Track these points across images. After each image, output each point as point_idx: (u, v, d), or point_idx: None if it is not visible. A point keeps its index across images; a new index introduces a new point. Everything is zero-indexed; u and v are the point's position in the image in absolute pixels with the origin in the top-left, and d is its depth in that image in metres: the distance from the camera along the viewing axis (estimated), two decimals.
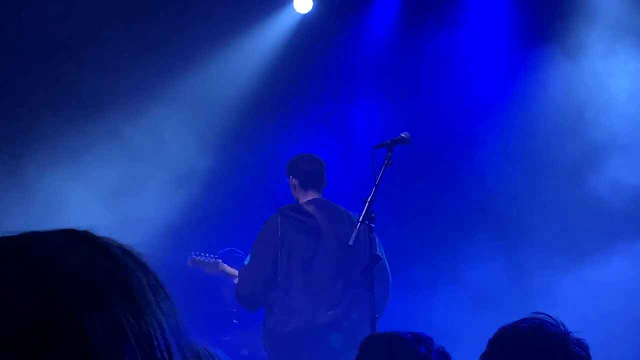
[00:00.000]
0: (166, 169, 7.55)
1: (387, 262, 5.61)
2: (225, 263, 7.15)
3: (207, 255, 6.38)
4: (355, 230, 5.18)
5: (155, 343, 0.78)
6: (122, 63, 7.52)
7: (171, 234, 7.34)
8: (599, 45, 7.02)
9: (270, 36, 8.05)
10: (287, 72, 7.98)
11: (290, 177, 5.79)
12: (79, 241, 0.83)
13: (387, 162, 5.27)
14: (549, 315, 2.41)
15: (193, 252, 6.26)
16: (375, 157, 5.25)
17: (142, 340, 0.78)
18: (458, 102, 7.53)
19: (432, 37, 7.75)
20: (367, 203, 5.18)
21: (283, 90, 7.97)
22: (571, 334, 2.37)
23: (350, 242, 5.18)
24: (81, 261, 0.81)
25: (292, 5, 8.05)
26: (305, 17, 8.08)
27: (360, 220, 5.16)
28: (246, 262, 5.61)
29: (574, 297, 6.39)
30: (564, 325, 2.39)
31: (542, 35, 7.43)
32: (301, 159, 5.83)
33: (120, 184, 7.32)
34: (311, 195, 5.75)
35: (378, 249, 5.43)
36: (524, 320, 2.41)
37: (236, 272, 5.93)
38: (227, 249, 7.18)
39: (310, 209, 5.73)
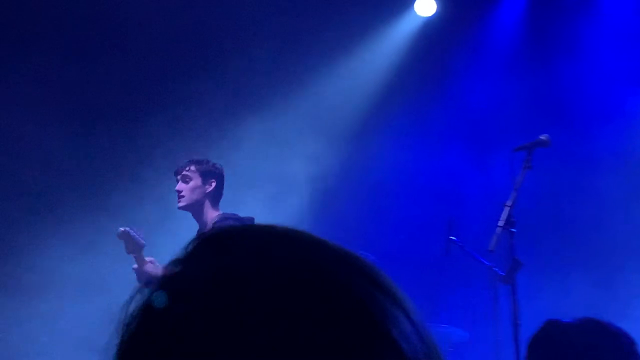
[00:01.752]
0: (291, 173, 7.61)
1: None
2: None
3: (141, 235, 5.40)
4: (495, 235, 5.12)
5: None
6: (253, 65, 7.64)
7: None
8: None
9: (392, 41, 8.03)
10: (410, 77, 7.95)
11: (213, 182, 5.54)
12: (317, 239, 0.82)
13: (527, 165, 5.19)
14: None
15: (130, 227, 5.42)
16: (515, 160, 5.18)
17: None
18: (594, 103, 7.36)
19: (561, 41, 7.60)
20: (508, 207, 5.10)
21: (406, 95, 7.93)
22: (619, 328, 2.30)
23: (491, 248, 5.11)
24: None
25: (414, 9, 8.01)
26: (428, 20, 8.04)
27: (501, 225, 5.09)
28: None
29: None
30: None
31: None
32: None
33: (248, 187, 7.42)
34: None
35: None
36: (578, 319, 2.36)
37: (152, 270, 5.28)
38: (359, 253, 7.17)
39: None
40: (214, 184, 5.52)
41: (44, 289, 6.85)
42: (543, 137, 5.27)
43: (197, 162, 5.55)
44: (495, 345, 5.48)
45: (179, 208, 5.51)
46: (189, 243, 0.81)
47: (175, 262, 0.79)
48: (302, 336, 0.71)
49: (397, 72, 7.99)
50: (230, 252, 0.77)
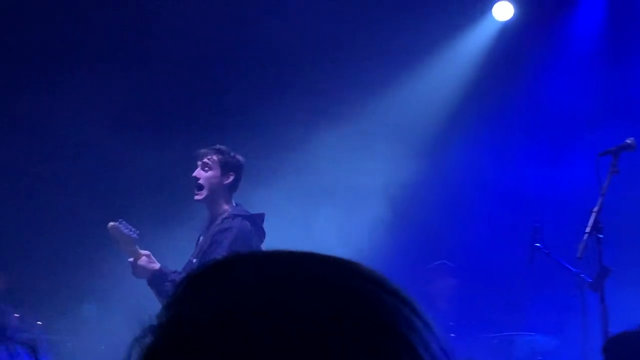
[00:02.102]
0: (370, 182, 7.61)
1: None
2: (435, 277, 7.10)
3: (132, 228, 5.34)
4: (583, 242, 5.05)
5: None
6: (331, 73, 7.70)
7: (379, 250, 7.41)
8: None
9: (470, 46, 7.99)
10: (488, 82, 7.89)
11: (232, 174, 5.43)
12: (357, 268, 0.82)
13: (613, 169, 5.11)
14: None
15: (120, 221, 5.33)
16: (601, 165, 5.11)
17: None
18: None
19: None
20: (595, 213, 5.03)
21: (485, 100, 7.88)
22: None
23: (579, 255, 5.04)
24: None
25: (492, 14, 7.96)
26: (506, 24, 7.97)
27: (588, 231, 5.02)
28: None
29: None
30: None
31: None
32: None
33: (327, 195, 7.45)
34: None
35: None
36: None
37: (152, 267, 5.23)
38: (438, 262, 7.16)
39: None
40: (232, 177, 5.40)
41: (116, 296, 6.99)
42: (629, 140, 5.18)
43: (219, 152, 5.43)
44: (583, 353, 5.39)
45: (197, 201, 5.40)
46: (180, 284, 0.79)
47: (171, 306, 0.77)
48: None
49: (475, 78, 7.94)
50: (224, 292, 0.75)
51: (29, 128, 7.62)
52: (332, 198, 7.48)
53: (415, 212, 7.67)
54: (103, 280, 6.95)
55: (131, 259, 5.27)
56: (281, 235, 6.33)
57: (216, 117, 7.71)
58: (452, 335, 6.83)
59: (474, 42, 8.00)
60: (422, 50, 7.84)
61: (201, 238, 5.48)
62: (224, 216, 5.35)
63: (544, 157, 7.49)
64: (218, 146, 5.46)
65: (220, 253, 5.17)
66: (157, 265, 5.28)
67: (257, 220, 5.43)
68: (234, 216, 5.36)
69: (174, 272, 5.29)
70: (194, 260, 5.36)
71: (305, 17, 7.66)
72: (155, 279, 5.24)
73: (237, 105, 7.72)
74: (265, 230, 5.45)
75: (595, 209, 5.04)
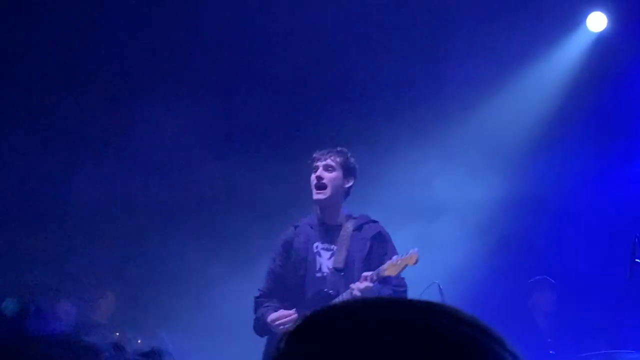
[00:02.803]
0: (457, 196, 7.57)
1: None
2: (534, 292, 7.05)
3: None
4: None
5: None
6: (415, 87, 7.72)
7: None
8: None
9: (566, 56, 7.90)
10: (582, 94, 7.78)
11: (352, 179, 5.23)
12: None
13: None
14: None
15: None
16: None
17: None
18: None
19: None
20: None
21: (579, 113, 7.77)
22: None
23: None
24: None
25: (585, 24, 7.86)
26: (600, 35, 7.85)
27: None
28: None
29: None
30: None
31: None
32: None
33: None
34: None
35: None
36: None
37: None
38: (538, 277, 7.08)
39: None
40: (352, 182, 5.22)
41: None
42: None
43: (341, 154, 5.23)
44: None
45: (317, 199, 5.15)
46: (283, 338, 0.83)
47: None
48: None
49: (570, 90, 7.83)
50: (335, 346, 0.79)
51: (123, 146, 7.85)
52: (425, 214, 7.49)
53: (511, 229, 7.59)
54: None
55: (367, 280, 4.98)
56: None
57: (304, 132, 7.78)
58: (551, 352, 6.74)
59: (569, 54, 7.90)
60: (517, 62, 7.79)
61: (323, 245, 5.21)
62: (352, 227, 5.17)
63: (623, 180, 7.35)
64: (339, 148, 5.28)
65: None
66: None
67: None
68: (369, 221, 5.25)
69: None
70: (341, 274, 5.09)
71: (403, 35, 7.69)
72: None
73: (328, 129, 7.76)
74: None
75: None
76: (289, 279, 5.17)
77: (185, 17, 7.76)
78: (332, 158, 5.19)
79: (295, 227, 5.29)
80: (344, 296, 4.95)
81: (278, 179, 7.56)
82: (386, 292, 4.95)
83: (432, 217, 7.43)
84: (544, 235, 7.55)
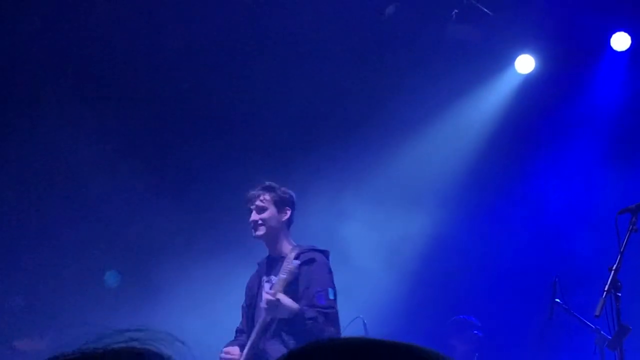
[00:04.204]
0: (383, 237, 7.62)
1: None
2: (456, 331, 7.09)
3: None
4: (602, 300, 5.02)
5: None
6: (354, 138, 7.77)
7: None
8: None
9: (492, 97, 8.03)
10: (510, 132, 7.91)
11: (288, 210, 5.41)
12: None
13: (632, 227, 5.08)
14: None
15: None
16: (620, 223, 5.09)
17: None
18: None
19: None
20: (613, 271, 5.00)
21: (506, 152, 7.89)
22: None
23: (597, 313, 5.01)
24: None
25: (514, 66, 8.01)
26: (527, 77, 8.01)
27: (606, 289, 4.99)
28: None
29: None
30: None
31: None
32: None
33: None
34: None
35: None
36: None
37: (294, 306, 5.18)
38: (460, 316, 7.12)
39: None
40: (289, 212, 5.39)
41: None
42: None
43: (270, 190, 5.38)
44: None
45: (256, 237, 5.36)
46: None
47: None
48: None
49: (497, 129, 7.95)
50: None
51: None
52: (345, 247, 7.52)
53: (434, 266, 7.66)
54: None
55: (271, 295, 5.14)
56: None
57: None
58: None
59: (496, 95, 8.04)
60: (445, 102, 7.89)
61: (267, 277, 5.37)
62: (296, 253, 5.29)
63: (568, 212, 7.46)
64: (267, 183, 5.43)
65: (323, 288, 5.21)
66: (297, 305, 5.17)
67: (327, 256, 5.43)
68: (310, 249, 5.36)
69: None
70: (272, 298, 5.16)
71: (328, 69, 7.73)
72: (296, 318, 5.16)
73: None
74: None
75: (614, 266, 5.02)
76: (249, 314, 5.43)
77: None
78: (261, 198, 5.34)
79: (260, 264, 5.54)
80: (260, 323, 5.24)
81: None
82: (310, 313, 5.12)
83: (354, 250, 7.46)
84: (465, 275, 7.61)
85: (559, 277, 5.94)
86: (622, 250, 5.04)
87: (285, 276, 5.22)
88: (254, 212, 5.35)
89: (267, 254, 5.45)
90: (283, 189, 5.41)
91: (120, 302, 7.22)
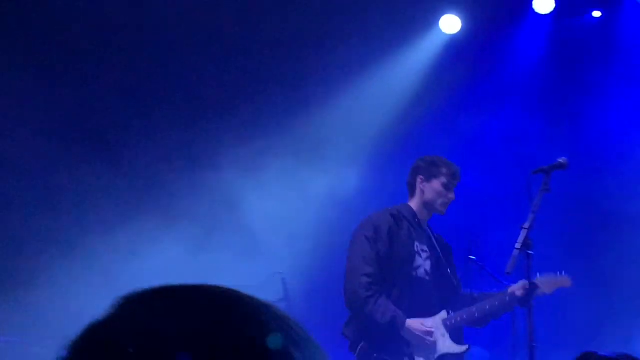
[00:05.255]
0: (318, 194, 7.64)
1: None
2: None
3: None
4: (513, 257, 5.13)
5: None
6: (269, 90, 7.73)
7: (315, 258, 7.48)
8: None
9: (416, 57, 8.06)
10: (433, 92, 7.96)
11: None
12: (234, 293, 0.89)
13: (544, 188, 5.20)
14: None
15: None
16: (533, 183, 5.20)
17: None
18: (610, 129, 7.38)
19: (583, 62, 7.62)
20: (525, 230, 5.12)
21: (428, 111, 7.94)
22: None
23: (508, 270, 5.13)
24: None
25: (439, 26, 8.04)
26: (453, 38, 8.06)
27: (518, 247, 5.11)
28: None
29: None
30: None
31: None
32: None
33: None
34: None
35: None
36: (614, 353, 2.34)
37: None
38: None
39: None
40: None
41: None
42: (561, 160, 5.27)
43: None
44: None
45: (437, 211, 5.54)
46: (117, 302, 0.87)
47: (105, 319, 0.86)
48: None
49: (421, 89, 8.00)
50: (152, 315, 0.84)
51: None
52: (281, 203, 7.53)
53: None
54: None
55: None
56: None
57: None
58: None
59: (421, 54, 8.07)
60: (370, 61, 7.89)
61: (420, 246, 5.49)
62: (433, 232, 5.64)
63: (484, 173, 7.56)
64: None
65: None
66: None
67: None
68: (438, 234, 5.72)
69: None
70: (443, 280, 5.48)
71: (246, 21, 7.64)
72: None
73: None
74: None
75: (526, 225, 5.13)
76: (391, 270, 5.34)
77: None
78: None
79: (393, 215, 5.51)
80: (493, 301, 5.36)
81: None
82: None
83: (275, 209, 7.48)
84: None
85: (475, 235, 6.05)
86: (534, 209, 5.15)
87: (447, 261, 5.54)
88: (453, 191, 5.54)
89: (414, 218, 5.54)
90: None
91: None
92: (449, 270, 5.50)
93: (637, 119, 7.50)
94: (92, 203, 7.22)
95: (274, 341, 0.83)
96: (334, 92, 7.84)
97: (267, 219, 7.44)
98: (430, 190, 5.52)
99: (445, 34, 8.06)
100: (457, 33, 8.01)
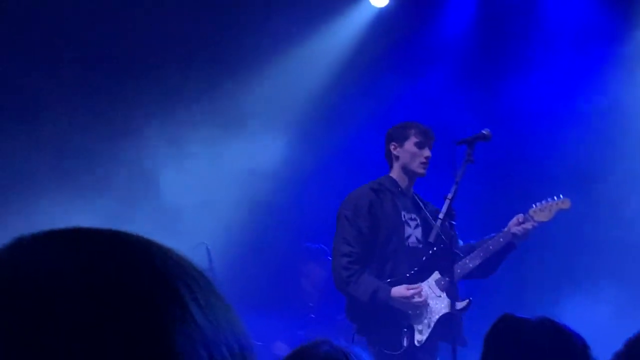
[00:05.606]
0: (241, 166, 7.60)
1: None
2: (309, 259, 7.17)
3: None
4: (436, 227, 5.18)
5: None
6: (198, 57, 7.63)
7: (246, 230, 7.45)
8: None
9: (345, 29, 8.04)
10: (361, 64, 7.95)
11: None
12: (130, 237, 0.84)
13: (468, 159, 5.24)
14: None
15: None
16: (457, 154, 5.24)
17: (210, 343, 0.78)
18: (532, 102, 7.50)
19: (508, 35, 7.72)
20: (449, 200, 5.16)
21: (355, 82, 7.93)
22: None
23: (431, 239, 5.17)
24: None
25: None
26: (382, 11, 8.06)
27: (441, 217, 5.15)
28: None
29: None
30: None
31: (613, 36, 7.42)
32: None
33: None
34: None
35: None
36: (534, 316, 2.39)
37: None
38: (317, 245, 7.21)
39: None
40: None
41: None
42: (485, 131, 5.32)
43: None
44: None
45: (422, 175, 5.44)
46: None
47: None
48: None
49: (349, 62, 7.99)
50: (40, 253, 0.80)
51: None
52: (205, 174, 7.47)
53: (282, 195, 7.70)
54: None
55: None
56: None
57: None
58: (312, 315, 6.92)
59: (350, 26, 8.05)
60: (298, 32, 7.85)
61: (409, 215, 5.41)
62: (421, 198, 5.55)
63: None
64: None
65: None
66: None
67: None
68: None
69: None
70: (438, 247, 5.31)
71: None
72: None
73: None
74: None
75: (449, 196, 5.17)
76: (376, 245, 5.22)
77: None
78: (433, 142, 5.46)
79: (373, 190, 5.39)
80: (486, 246, 5.29)
81: None
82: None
83: (212, 181, 7.43)
84: (309, 205, 7.67)
85: None
86: (457, 180, 5.19)
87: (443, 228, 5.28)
88: (429, 149, 5.42)
89: (396, 187, 5.45)
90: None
91: None
92: (441, 234, 5.28)
93: (559, 89, 7.62)
94: (6, 174, 7.03)
95: (166, 284, 0.78)
96: (261, 62, 7.77)
97: (189, 191, 7.37)
98: (404, 154, 5.42)
99: (374, 7, 8.06)
100: (386, 6, 8.02)
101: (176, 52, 7.58)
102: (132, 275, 0.77)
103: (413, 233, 5.39)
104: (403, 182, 5.48)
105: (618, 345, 2.38)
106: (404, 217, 5.40)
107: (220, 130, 7.53)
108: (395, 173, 5.48)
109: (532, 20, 7.72)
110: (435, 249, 5.29)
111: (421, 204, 5.50)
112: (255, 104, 7.68)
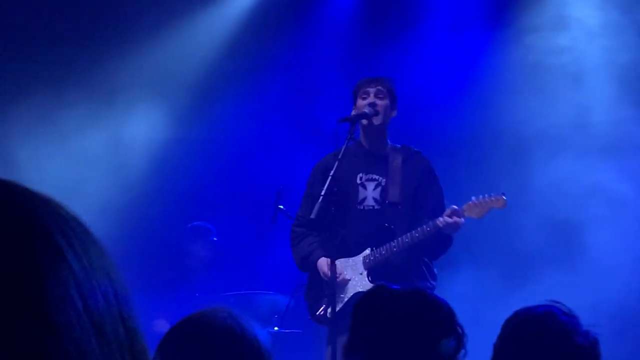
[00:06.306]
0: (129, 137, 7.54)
1: None
2: (193, 237, 7.16)
3: None
4: (318, 204, 5.22)
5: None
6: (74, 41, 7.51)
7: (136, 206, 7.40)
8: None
9: (229, 9, 8.00)
10: (244, 44, 7.93)
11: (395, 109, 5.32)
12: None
13: (350, 137, 5.29)
14: (563, 305, 2.44)
15: None
16: (339, 132, 5.29)
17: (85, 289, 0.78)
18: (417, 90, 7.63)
19: (391, 19, 7.80)
20: (330, 177, 5.21)
21: (240, 64, 7.92)
22: (580, 325, 2.38)
23: (313, 216, 5.22)
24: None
25: None
26: None
27: (323, 193, 5.20)
28: None
29: None
30: (575, 316, 2.41)
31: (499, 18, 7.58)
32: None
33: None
34: None
35: None
36: (538, 306, 2.44)
37: None
38: (197, 223, 7.21)
39: None
40: (395, 113, 5.31)
41: None
42: (367, 110, 5.39)
43: (390, 81, 5.30)
44: None
45: (370, 125, 5.18)
46: None
47: None
48: None
49: (234, 39, 7.95)
50: None
51: None
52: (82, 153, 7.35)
53: (172, 171, 7.67)
54: None
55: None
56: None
57: None
58: (197, 294, 6.91)
59: (234, 7, 8.00)
60: (181, 10, 7.78)
61: (367, 175, 5.24)
62: (404, 153, 5.27)
63: (294, 126, 7.65)
64: (386, 76, 5.35)
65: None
66: None
67: None
68: (415, 151, 5.32)
69: None
70: (398, 207, 5.15)
71: None
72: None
73: None
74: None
75: (331, 173, 5.23)
76: (328, 209, 5.03)
77: None
78: (383, 84, 5.21)
79: (335, 154, 5.14)
80: (414, 232, 5.01)
81: None
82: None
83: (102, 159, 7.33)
84: (192, 182, 7.68)
85: (284, 185, 6.13)
86: (339, 157, 5.24)
87: (411, 187, 5.17)
88: (372, 95, 5.19)
89: (360, 147, 5.30)
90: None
91: None
92: (399, 195, 5.16)
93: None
94: None
95: (40, 229, 0.78)
96: (141, 40, 7.69)
97: (66, 170, 7.23)
98: (357, 110, 5.29)
99: None
100: None
101: (47, 30, 7.44)
102: (3, 218, 0.77)
103: (370, 194, 5.26)
104: (366, 139, 5.36)
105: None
106: (361, 179, 5.30)
107: (102, 105, 7.44)
108: (360, 135, 5.40)
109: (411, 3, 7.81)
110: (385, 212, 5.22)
111: (396, 162, 5.29)
112: (138, 80, 7.60)
